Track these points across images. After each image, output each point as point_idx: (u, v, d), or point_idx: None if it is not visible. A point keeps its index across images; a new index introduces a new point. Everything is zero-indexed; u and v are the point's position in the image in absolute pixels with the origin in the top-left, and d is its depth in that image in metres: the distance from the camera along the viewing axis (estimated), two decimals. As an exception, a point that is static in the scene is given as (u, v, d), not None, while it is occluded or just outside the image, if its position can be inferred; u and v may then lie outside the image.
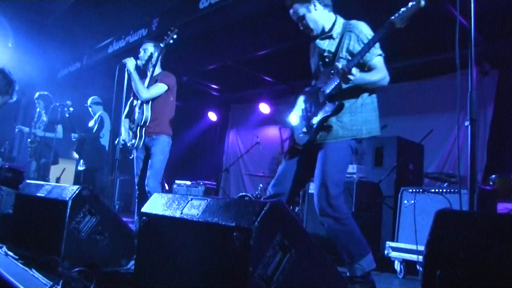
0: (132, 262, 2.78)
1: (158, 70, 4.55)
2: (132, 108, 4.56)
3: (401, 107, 7.44)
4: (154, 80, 4.43)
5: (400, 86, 7.53)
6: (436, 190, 4.05)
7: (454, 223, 1.32)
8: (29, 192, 3.25)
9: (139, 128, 4.36)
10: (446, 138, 6.69)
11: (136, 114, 4.41)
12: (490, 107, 6.37)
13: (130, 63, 4.30)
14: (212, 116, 10.99)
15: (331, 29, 2.90)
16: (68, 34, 9.61)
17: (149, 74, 4.47)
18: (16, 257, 2.88)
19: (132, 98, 4.63)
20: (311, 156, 2.92)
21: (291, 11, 2.91)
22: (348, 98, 2.80)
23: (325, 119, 2.80)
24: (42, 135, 7.04)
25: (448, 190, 3.96)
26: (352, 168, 5.52)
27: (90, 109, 7.16)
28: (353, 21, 2.89)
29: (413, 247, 3.87)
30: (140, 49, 4.55)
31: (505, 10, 5.23)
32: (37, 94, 7.34)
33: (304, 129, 2.91)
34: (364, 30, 2.81)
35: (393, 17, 2.54)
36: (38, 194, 3.07)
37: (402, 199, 4.26)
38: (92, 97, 7.17)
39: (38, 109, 7.38)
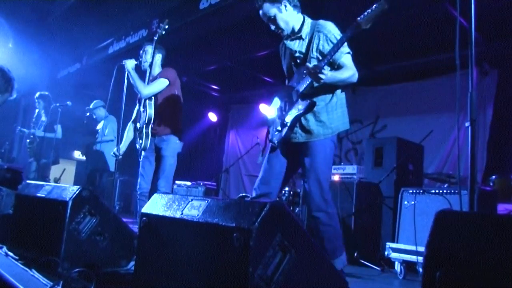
0: (132, 263, 2.78)
1: (158, 69, 4.52)
2: (138, 112, 4.53)
3: (401, 107, 7.46)
4: (154, 79, 4.39)
5: (400, 86, 7.55)
6: (436, 191, 4.05)
7: (454, 224, 1.32)
8: (29, 192, 3.25)
9: (144, 126, 4.29)
10: (446, 139, 6.70)
11: (141, 114, 4.36)
12: (490, 107, 6.38)
13: (129, 63, 4.28)
14: (212, 116, 11.00)
15: (300, 29, 2.98)
16: (68, 34, 9.62)
17: (147, 73, 4.41)
18: (16, 257, 2.88)
19: (138, 105, 4.59)
20: (292, 154, 3.02)
21: (261, 12, 2.98)
22: (322, 96, 2.90)
23: (298, 117, 2.90)
24: (42, 135, 7.05)
25: (448, 191, 3.97)
26: (352, 169, 5.53)
27: (93, 112, 7.15)
28: (321, 21, 2.97)
29: (413, 248, 3.87)
30: (140, 51, 4.54)
31: (505, 10, 5.23)
32: (37, 94, 7.34)
33: (279, 127, 3.01)
34: (332, 29, 2.90)
35: (359, 18, 2.62)
36: (38, 195, 3.07)
37: (402, 199, 4.26)
38: (95, 101, 7.15)
39: (37, 109, 7.38)
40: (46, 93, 7.38)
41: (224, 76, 9.33)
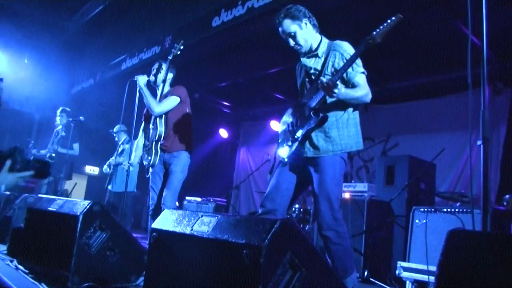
0: (142, 278, 2.78)
1: (167, 88, 4.53)
2: (146, 129, 4.55)
3: (413, 125, 7.42)
4: (165, 97, 4.41)
5: (412, 104, 7.53)
6: (449, 210, 4.00)
7: (467, 243, 1.30)
8: (41, 206, 3.27)
9: (154, 143, 4.30)
10: (458, 157, 6.64)
11: (150, 131, 4.38)
12: (503, 126, 6.32)
13: (141, 79, 4.30)
14: (223, 133, 11.02)
15: (317, 48, 3.02)
16: (82, 50, 9.78)
17: (159, 91, 4.44)
18: (27, 271, 2.89)
19: (144, 123, 4.61)
20: (302, 171, 3.00)
21: (280, 28, 3.02)
22: (334, 112, 2.90)
23: (308, 132, 2.90)
24: (60, 150, 7.21)
25: (461, 210, 3.92)
26: (363, 187, 5.50)
27: (115, 135, 7.29)
28: (337, 41, 3.01)
29: (425, 267, 3.82)
30: (152, 68, 4.57)
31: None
32: (61, 108, 7.45)
33: (289, 143, 3.01)
34: (348, 49, 2.93)
35: (374, 33, 2.64)
36: (50, 209, 3.09)
37: (414, 218, 4.21)
38: (118, 125, 7.28)
39: (59, 125, 7.46)
40: (68, 109, 7.51)
41: (236, 92, 9.39)
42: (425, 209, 4.14)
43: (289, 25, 2.97)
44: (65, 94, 10.51)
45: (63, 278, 2.57)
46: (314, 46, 3.03)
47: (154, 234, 2.14)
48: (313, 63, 3.02)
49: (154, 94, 4.38)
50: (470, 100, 2.11)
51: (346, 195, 5.21)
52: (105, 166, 7.15)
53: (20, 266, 3.01)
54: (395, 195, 4.96)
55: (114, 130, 7.31)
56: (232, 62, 7.68)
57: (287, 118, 3.17)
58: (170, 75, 4.54)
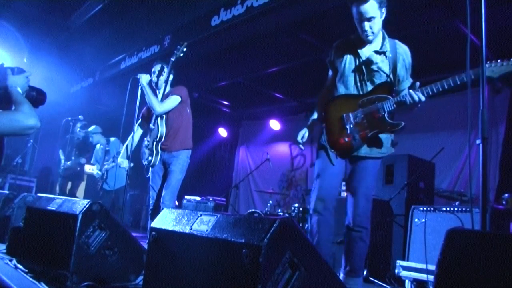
0: (141, 278, 2.78)
1: (168, 88, 4.55)
2: (144, 127, 4.56)
3: (412, 124, 7.37)
4: (166, 97, 4.42)
5: (411, 103, 7.51)
6: (448, 209, 4.00)
7: (466, 242, 1.30)
8: (40, 205, 3.27)
9: (155, 143, 4.31)
10: (457, 156, 6.64)
11: (152, 131, 4.39)
12: (502, 126, 6.32)
13: (144, 78, 4.31)
14: (223, 132, 11.02)
15: (383, 44, 2.92)
16: (81, 50, 9.76)
17: (161, 90, 4.45)
18: (26, 270, 2.89)
19: (141, 119, 4.62)
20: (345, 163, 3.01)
21: (359, 7, 2.74)
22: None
23: (377, 134, 2.90)
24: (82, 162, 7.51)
25: (460, 209, 3.92)
26: (362, 186, 5.48)
27: (91, 136, 7.34)
28: (401, 44, 2.95)
29: (424, 266, 3.82)
30: (153, 69, 4.57)
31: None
32: (80, 124, 7.54)
33: (355, 137, 2.90)
34: (409, 56, 2.94)
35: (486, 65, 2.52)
36: (49, 208, 3.08)
37: (413, 217, 4.22)
38: (94, 126, 7.34)
39: (78, 138, 7.57)
40: (85, 122, 7.60)
41: (235, 92, 9.38)
42: (424, 208, 4.14)
43: (374, 8, 2.72)
44: (64, 93, 10.49)
45: (62, 277, 2.56)
46: (380, 40, 2.91)
47: (154, 233, 2.13)
48: (380, 61, 2.90)
49: (155, 94, 4.39)
50: (469, 100, 2.11)
51: (345, 194, 5.20)
52: (96, 171, 7.24)
53: (19, 265, 3.00)
54: (394, 194, 4.96)
55: (90, 129, 7.33)
56: (231, 62, 7.68)
57: (341, 108, 2.96)
58: (171, 76, 4.55)
